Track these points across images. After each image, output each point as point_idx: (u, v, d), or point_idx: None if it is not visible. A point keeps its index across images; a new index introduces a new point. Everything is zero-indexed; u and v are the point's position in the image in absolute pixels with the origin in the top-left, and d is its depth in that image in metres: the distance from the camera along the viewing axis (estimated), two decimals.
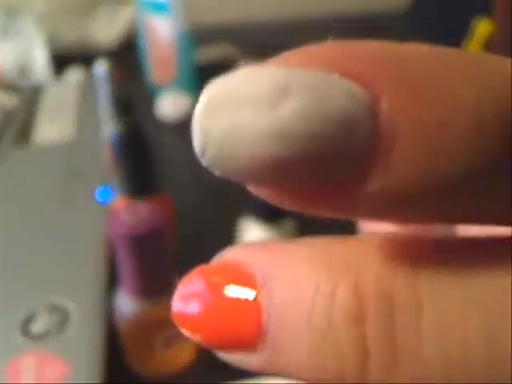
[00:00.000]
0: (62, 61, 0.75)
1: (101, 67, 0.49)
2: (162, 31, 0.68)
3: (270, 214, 0.40)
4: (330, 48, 0.06)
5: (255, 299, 0.06)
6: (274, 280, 0.06)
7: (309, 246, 0.07)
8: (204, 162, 0.07)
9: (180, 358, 0.36)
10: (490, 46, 0.49)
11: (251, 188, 0.07)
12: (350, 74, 0.06)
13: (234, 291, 0.06)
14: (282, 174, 0.06)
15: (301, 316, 0.06)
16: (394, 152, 0.06)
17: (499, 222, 0.07)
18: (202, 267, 0.07)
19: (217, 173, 0.07)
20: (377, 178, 0.06)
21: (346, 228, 0.15)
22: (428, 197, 0.06)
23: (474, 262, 0.06)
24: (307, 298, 0.06)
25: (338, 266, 0.06)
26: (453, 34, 0.53)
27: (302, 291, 0.06)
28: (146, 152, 0.38)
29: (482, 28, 0.50)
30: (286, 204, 0.07)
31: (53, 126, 0.57)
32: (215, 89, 0.07)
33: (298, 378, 0.06)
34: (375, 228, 0.12)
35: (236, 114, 0.06)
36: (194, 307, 0.07)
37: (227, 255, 0.07)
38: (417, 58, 0.06)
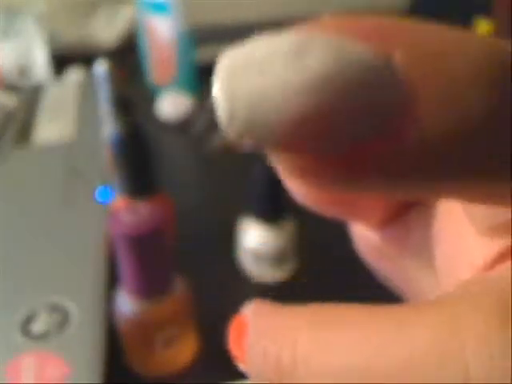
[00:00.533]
0: (62, 61, 0.75)
1: (101, 67, 0.49)
2: (161, 31, 0.68)
3: (269, 214, 0.40)
4: (338, 18, 0.07)
5: None
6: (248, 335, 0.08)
7: (261, 316, 0.08)
8: (232, 131, 0.06)
9: (180, 358, 0.36)
10: None
11: (283, 164, 0.07)
12: (369, 37, 0.06)
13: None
14: (316, 131, 0.06)
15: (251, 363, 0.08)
16: (418, 103, 0.06)
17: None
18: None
19: (247, 141, 0.07)
20: (410, 130, 0.06)
21: (342, 228, 0.15)
22: (456, 144, 0.06)
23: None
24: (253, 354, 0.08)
25: (270, 335, 0.08)
26: None
27: (251, 351, 0.08)
28: (146, 152, 0.38)
29: (482, 28, 0.50)
30: (321, 177, 0.07)
31: (53, 126, 0.57)
32: (236, 51, 0.06)
33: None
34: (364, 234, 0.13)
35: (262, 71, 0.06)
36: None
37: (246, 309, 0.09)
38: (425, 25, 0.07)
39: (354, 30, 0.06)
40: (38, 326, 0.32)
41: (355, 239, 0.13)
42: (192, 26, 0.68)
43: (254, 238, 0.41)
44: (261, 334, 0.08)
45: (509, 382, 0.06)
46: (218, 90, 0.06)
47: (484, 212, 0.09)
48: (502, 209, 0.08)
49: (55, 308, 0.33)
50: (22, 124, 0.58)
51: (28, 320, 0.33)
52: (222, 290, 0.41)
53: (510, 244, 0.08)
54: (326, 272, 0.42)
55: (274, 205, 0.40)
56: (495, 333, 0.06)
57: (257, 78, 0.06)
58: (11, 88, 0.69)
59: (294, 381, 0.07)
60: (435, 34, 0.07)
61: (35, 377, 0.29)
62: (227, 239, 0.44)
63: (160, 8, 0.66)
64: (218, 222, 0.48)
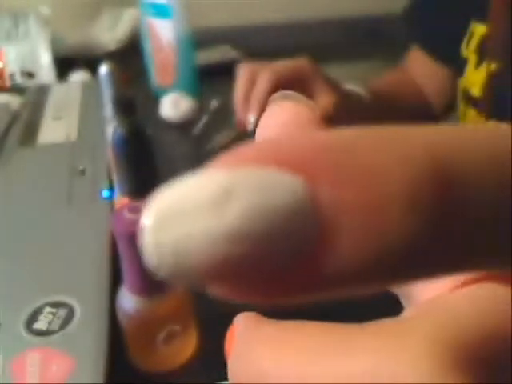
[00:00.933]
0: (66, 63, 0.76)
1: (104, 69, 0.50)
2: (163, 34, 0.68)
3: None
4: (266, 145, 0.07)
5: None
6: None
7: (245, 330, 0.09)
8: (161, 274, 0.07)
9: (180, 354, 0.36)
10: (486, 48, 0.49)
11: (212, 290, 0.08)
12: (289, 167, 0.07)
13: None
14: (238, 271, 0.07)
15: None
16: (339, 236, 0.07)
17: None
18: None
19: (175, 281, 0.07)
20: (328, 262, 0.07)
21: None
22: (376, 269, 0.07)
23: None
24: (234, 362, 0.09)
25: (248, 348, 0.08)
26: (450, 38, 0.53)
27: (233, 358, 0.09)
28: (148, 152, 0.38)
29: (479, 31, 0.51)
30: (251, 298, 0.07)
31: (57, 127, 0.58)
32: (163, 201, 0.07)
33: None
34: None
35: (186, 224, 0.07)
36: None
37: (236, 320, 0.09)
38: (347, 145, 0.07)
39: (278, 161, 0.07)
40: (42, 323, 0.33)
41: None
42: (193, 28, 0.69)
43: None
44: (242, 345, 0.08)
45: None
46: (146, 237, 0.07)
47: None
48: None
49: (60, 305, 0.34)
50: (27, 124, 0.59)
51: (33, 317, 0.33)
52: None
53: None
54: None
55: None
56: (425, 364, 0.07)
57: (180, 230, 0.07)
58: (16, 89, 0.70)
59: None
60: (361, 160, 0.07)
61: (40, 372, 0.30)
62: None
63: (162, 11, 0.67)
64: None
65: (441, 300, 0.08)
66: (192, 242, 0.07)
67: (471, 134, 0.08)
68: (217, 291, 0.07)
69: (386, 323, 0.08)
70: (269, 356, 0.08)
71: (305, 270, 0.07)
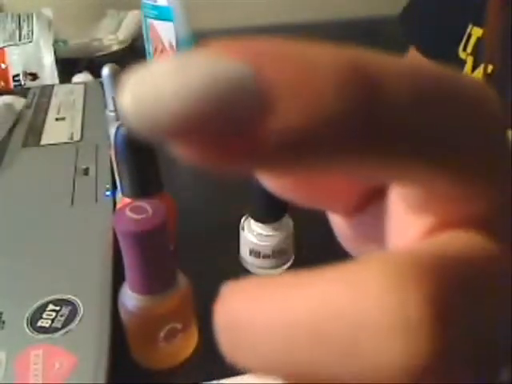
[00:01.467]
0: (69, 64, 0.76)
1: (107, 70, 0.51)
2: (165, 36, 0.69)
3: (269, 213, 0.41)
4: (221, 42, 0.08)
5: None
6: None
7: (230, 288, 0.09)
8: (138, 124, 0.08)
9: (182, 352, 0.37)
10: (483, 50, 0.49)
11: (177, 148, 0.08)
12: (241, 56, 0.08)
13: None
14: (194, 127, 0.08)
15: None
16: (278, 105, 0.07)
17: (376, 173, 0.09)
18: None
19: (149, 132, 0.08)
20: (268, 129, 0.08)
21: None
22: (310, 140, 0.08)
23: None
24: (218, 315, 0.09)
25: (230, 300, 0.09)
26: (448, 39, 0.54)
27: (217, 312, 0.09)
28: (150, 152, 0.38)
29: (476, 33, 0.51)
30: (206, 159, 0.08)
31: (60, 127, 0.58)
32: (140, 71, 0.08)
33: None
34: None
35: (157, 86, 0.08)
36: None
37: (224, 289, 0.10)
38: (294, 47, 0.08)
39: (227, 50, 0.08)
40: (45, 321, 0.33)
41: (333, 227, 0.14)
42: (194, 30, 0.69)
43: (255, 235, 0.42)
44: (225, 298, 0.09)
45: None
46: (126, 100, 0.08)
47: (409, 192, 0.10)
48: (420, 190, 0.10)
49: (63, 303, 0.34)
50: (30, 125, 0.59)
51: (36, 315, 0.33)
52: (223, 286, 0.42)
53: (437, 221, 0.10)
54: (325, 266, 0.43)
55: (273, 203, 0.41)
56: (392, 293, 0.07)
57: (153, 91, 0.08)
58: (19, 90, 0.71)
59: (245, 336, 0.08)
60: (297, 50, 0.08)
61: (43, 369, 0.30)
62: (227, 237, 0.45)
63: (163, 14, 0.68)
64: (219, 222, 0.49)
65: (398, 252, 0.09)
66: (161, 102, 0.08)
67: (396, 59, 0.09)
68: (177, 148, 0.08)
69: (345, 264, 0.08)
70: (242, 305, 0.08)
71: (250, 134, 0.08)
